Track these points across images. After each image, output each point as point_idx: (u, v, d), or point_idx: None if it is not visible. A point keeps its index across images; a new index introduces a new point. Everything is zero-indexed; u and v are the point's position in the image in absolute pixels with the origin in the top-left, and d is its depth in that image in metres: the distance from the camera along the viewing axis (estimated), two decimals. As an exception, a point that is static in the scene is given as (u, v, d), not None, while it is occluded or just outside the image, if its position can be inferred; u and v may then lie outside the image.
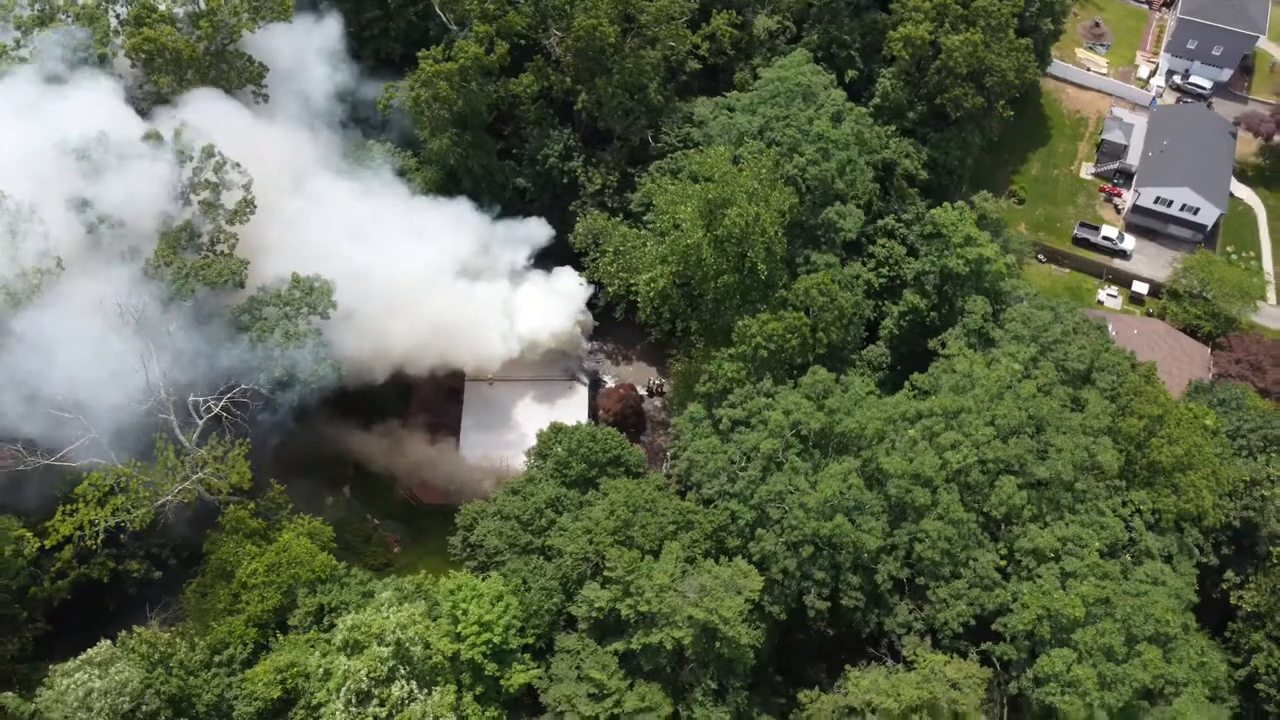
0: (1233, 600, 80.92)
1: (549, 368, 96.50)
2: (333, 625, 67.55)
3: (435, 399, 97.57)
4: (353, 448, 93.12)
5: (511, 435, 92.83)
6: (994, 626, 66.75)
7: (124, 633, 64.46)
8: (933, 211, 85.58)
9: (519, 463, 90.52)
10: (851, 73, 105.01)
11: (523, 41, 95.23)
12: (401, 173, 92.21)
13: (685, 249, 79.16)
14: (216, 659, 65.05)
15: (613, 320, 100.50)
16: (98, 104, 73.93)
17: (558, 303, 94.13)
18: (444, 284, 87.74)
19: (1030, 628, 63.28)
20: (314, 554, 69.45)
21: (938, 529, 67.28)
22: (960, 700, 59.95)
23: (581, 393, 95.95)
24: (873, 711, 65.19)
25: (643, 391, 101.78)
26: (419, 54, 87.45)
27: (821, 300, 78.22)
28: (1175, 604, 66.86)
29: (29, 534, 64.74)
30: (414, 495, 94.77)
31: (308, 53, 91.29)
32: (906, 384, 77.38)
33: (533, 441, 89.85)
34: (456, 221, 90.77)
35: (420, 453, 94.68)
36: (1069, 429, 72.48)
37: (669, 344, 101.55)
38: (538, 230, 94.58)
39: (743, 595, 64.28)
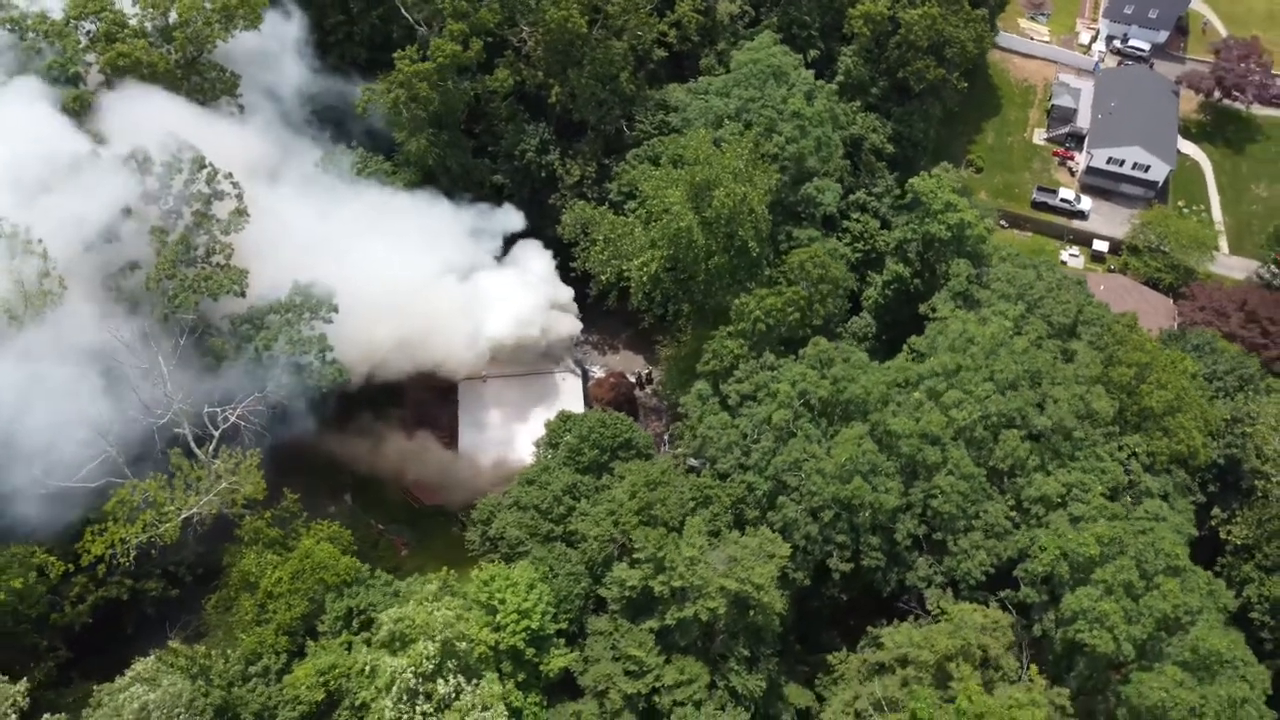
0: (1222, 535, 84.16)
1: (541, 361, 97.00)
2: (364, 627, 67.71)
3: (428, 399, 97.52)
4: (349, 454, 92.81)
5: (509, 430, 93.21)
6: (1015, 572, 68.95)
7: (159, 650, 63.88)
8: (911, 180, 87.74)
9: (518, 457, 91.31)
10: (813, 52, 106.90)
11: (490, 39, 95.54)
12: (360, 173, 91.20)
13: (676, 232, 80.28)
14: (252, 669, 64.70)
15: (597, 311, 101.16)
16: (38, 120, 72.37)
17: (525, 291, 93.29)
18: (408, 286, 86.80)
19: (1050, 569, 65.51)
20: (337, 558, 69.37)
21: (950, 484, 69.32)
22: (991, 645, 61.92)
23: (575, 384, 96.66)
24: (903, 665, 66.97)
25: (631, 380, 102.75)
26: (395, 55, 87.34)
27: (816, 273, 79.93)
28: (1178, 538, 69.57)
29: (52, 559, 63.79)
30: (414, 497, 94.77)
31: (273, 58, 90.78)
32: (905, 347, 79.34)
33: (530, 435, 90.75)
34: (420, 217, 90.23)
35: (418, 454, 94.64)
36: (1063, 380, 75.03)
37: (655, 331, 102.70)
38: (510, 219, 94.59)
39: (773, 562, 65.62)
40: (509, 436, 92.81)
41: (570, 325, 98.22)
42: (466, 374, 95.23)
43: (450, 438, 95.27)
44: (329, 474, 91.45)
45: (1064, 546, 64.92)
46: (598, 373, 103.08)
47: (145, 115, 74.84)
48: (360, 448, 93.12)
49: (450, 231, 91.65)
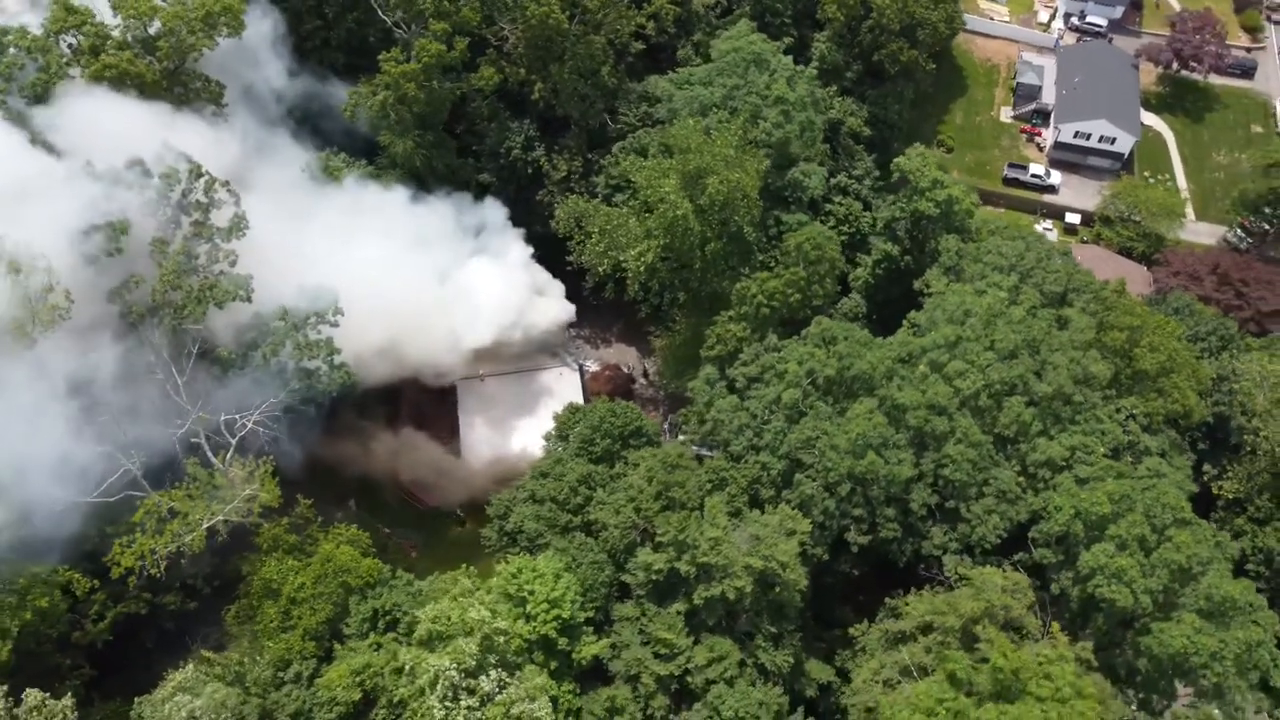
0: (1214, 490, 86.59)
1: (538, 357, 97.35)
2: (389, 627, 67.82)
3: (425, 401, 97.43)
4: (350, 459, 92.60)
5: (511, 427, 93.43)
6: (1030, 534, 70.54)
7: (184, 662, 63.54)
8: (897, 160, 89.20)
9: (521, 453, 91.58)
10: (787, 39, 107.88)
11: (470, 38, 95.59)
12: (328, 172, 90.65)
13: (672, 221, 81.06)
14: (282, 675, 64.54)
15: (588, 305, 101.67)
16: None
17: (504, 281, 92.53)
18: (393, 287, 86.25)
19: (1066, 528, 67.09)
20: (359, 560, 69.39)
21: (960, 452, 70.76)
22: (1014, 606, 63.37)
23: (573, 377, 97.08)
24: (925, 633, 68.29)
25: (626, 372, 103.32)
26: (380, 57, 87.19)
27: (814, 254, 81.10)
28: (1180, 494, 71.57)
29: (77, 575, 63.16)
30: (416, 499, 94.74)
31: (249, 62, 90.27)
32: (905, 322, 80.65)
33: (532, 432, 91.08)
34: (401, 217, 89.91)
35: (419, 456, 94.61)
36: (1060, 346, 76.79)
37: (647, 322, 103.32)
38: (492, 213, 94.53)
39: (794, 539, 66.59)
40: (510, 434, 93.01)
41: (560, 310, 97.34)
42: (464, 374, 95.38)
43: (450, 438, 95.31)
44: (331, 480, 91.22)
45: (1078, 505, 66.55)
46: (592, 366, 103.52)
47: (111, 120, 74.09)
48: (360, 452, 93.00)
49: (432, 229, 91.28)
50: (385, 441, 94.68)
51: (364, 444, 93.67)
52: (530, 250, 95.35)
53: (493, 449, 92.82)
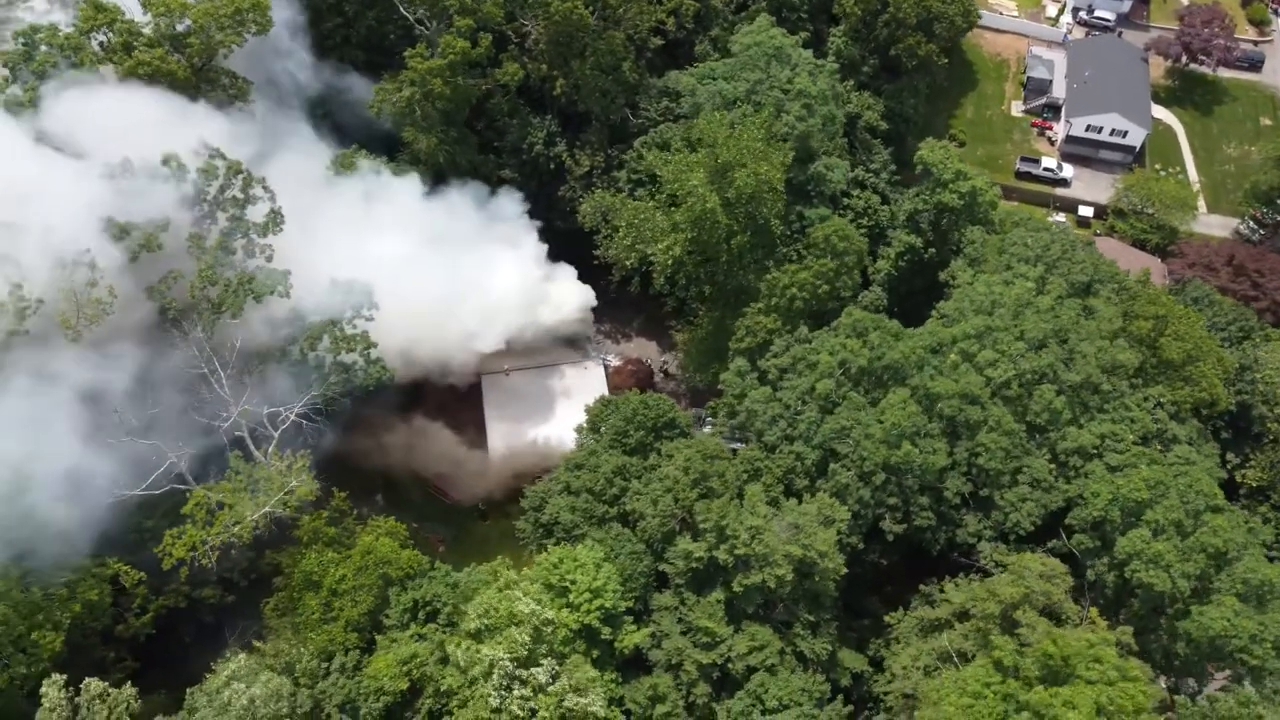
0: (1237, 479, 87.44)
1: (562, 351, 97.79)
2: (429, 619, 68.18)
3: (449, 396, 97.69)
4: (375, 454, 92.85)
5: (537, 421, 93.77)
6: (1067, 519, 71.23)
7: (225, 654, 63.89)
8: (920, 152, 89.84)
9: (547, 446, 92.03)
10: (803, 34, 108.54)
11: (490, 34, 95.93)
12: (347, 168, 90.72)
13: (701, 214, 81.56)
14: (327, 665, 64.89)
15: (608, 300, 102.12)
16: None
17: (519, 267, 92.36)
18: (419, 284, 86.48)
19: (1103, 514, 67.78)
20: (398, 552, 69.75)
21: (993, 440, 71.40)
22: (1053, 591, 64.02)
23: (598, 372, 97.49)
24: (960, 620, 68.92)
25: (649, 366, 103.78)
26: (407, 54, 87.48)
27: (841, 245, 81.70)
28: (1211, 480, 72.35)
29: (125, 568, 63.42)
30: (442, 493, 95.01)
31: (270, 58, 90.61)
32: (934, 312, 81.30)
33: (558, 425, 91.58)
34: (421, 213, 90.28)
35: (445, 451, 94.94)
36: (1088, 336, 77.51)
37: (667, 317, 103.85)
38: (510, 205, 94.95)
39: (834, 527, 67.17)
40: (536, 428, 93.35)
41: (580, 296, 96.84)
42: (488, 369, 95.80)
43: (476, 432, 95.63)
44: (356, 476, 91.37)
45: (1115, 491, 67.24)
46: (614, 361, 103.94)
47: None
48: (385, 447, 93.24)
49: (450, 221, 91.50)
50: (409, 436, 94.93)
51: (388, 439, 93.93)
52: (545, 246, 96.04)
53: (519, 443, 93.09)
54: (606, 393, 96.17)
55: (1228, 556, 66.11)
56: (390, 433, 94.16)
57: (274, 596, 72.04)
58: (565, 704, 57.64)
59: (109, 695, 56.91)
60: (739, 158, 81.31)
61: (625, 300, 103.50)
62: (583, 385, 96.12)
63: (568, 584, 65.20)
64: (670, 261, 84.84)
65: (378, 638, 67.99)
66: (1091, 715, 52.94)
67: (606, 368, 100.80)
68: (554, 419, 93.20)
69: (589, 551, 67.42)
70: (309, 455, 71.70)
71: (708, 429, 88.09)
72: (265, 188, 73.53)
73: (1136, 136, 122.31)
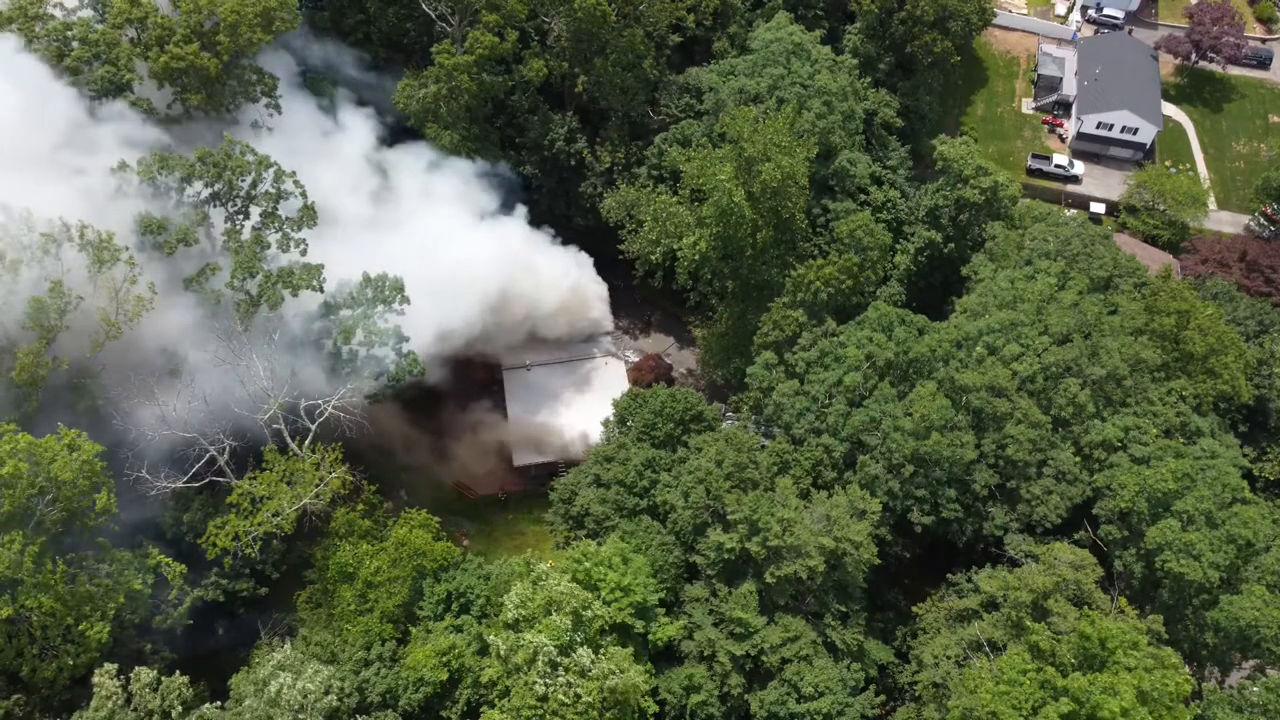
0: (1255, 472, 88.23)
1: (582, 346, 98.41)
2: (462, 610, 68.73)
3: (470, 390, 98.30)
4: (400, 449, 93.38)
5: (558, 416, 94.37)
6: (1095, 510, 71.98)
7: (260, 645, 64.40)
8: (941, 148, 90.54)
9: (570, 439, 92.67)
10: (819, 31, 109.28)
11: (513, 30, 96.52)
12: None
13: (727, 208, 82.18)
14: (366, 656, 65.42)
15: (624, 295, 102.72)
16: None
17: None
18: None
19: (1130, 505, 68.57)
20: (431, 544, 70.30)
21: (1021, 432, 72.11)
22: (1083, 581, 64.79)
23: (619, 367, 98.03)
24: (989, 610, 69.65)
25: (668, 361, 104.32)
26: (434, 49, 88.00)
27: (867, 240, 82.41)
28: (1236, 472, 73.20)
29: (166, 559, 63.87)
30: (466, 489, 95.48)
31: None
32: (957, 306, 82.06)
33: (580, 419, 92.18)
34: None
35: (467, 445, 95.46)
36: (1111, 330, 78.29)
37: (685, 313, 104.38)
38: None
39: (866, 519, 67.86)
40: (559, 421, 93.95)
41: (596, 288, 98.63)
42: (510, 363, 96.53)
43: (497, 426, 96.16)
44: (380, 470, 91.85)
45: (1142, 483, 68.03)
46: (632, 357, 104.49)
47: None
48: (408, 442, 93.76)
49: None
50: (433, 431, 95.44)
51: (411, 433, 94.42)
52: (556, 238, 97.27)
53: (540, 435, 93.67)
54: (627, 387, 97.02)
55: (1255, 547, 66.89)
56: (412, 426, 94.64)
57: (306, 589, 72.55)
58: (608, 685, 58.13)
59: (160, 684, 57.32)
60: (765, 151, 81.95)
61: (642, 296, 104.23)
62: (604, 380, 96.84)
63: (596, 581, 65.56)
64: (695, 256, 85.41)
65: (411, 629, 68.57)
66: (1133, 702, 53.62)
67: (626, 363, 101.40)
68: (576, 412, 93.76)
69: (612, 545, 67.71)
70: (340, 448, 72.26)
71: (728, 423, 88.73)
72: (297, 183, 73.88)
73: (1147, 133, 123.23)
